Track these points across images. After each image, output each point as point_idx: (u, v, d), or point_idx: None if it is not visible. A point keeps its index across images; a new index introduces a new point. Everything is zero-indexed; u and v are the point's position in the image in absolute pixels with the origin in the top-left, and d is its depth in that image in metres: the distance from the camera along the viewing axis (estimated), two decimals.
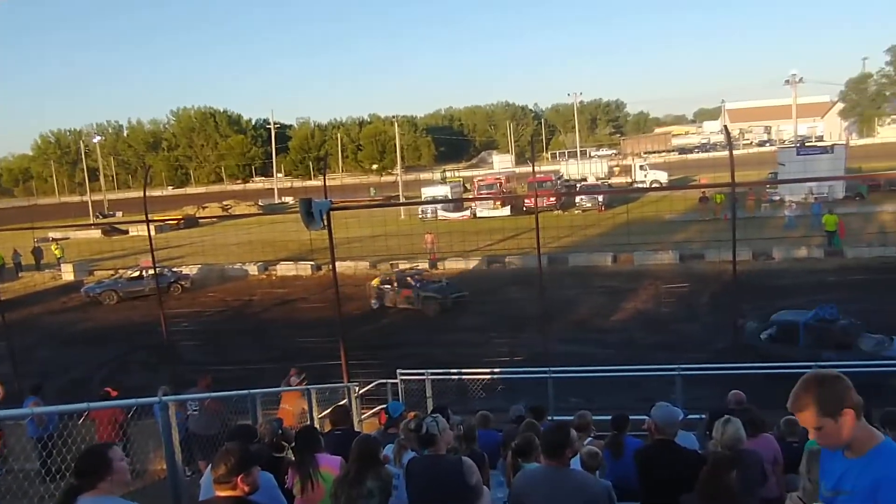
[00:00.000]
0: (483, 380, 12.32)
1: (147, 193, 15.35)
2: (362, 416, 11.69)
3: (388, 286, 23.86)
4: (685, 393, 10.49)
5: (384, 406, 9.73)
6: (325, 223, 11.50)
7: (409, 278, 24.17)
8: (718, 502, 4.00)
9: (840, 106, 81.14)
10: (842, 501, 2.45)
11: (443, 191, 53.29)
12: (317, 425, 8.81)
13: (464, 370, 12.43)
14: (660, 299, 21.70)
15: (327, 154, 69.42)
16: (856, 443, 2.36)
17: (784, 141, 62.77)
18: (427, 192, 52.16)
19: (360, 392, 11.85)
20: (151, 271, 22.26)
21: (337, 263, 13.44)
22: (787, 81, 57.04)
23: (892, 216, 33.65)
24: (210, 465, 3.68)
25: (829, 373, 2.43)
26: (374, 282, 24.52)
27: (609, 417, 6.63)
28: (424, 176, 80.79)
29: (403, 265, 29.32)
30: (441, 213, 45.63)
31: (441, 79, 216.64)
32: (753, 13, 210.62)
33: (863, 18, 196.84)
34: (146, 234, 18.71)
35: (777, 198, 38.29)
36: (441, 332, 20.46)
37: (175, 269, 31.14)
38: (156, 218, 42.31)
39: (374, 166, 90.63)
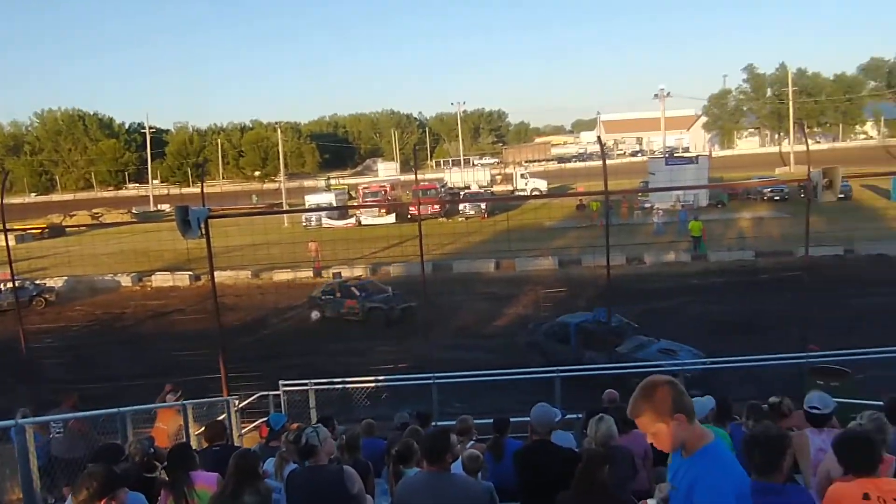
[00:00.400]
0: (368, 388, 12.21)
1: (5, 200, 14.14)
2: (242, 431, 11.29)
3: (331, 296, 22.90)
4: (564, 394, 10.87)
5: (265, 419, 9.43)
6: (203, 231, 11.05)
7: (353, 288, 23.13)
8: (592, 497, 4.14)
9: (703, 119, 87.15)
10: (672, 497, 2.64)
11: (327, 198, 52.62)
12: (194, 443, 8.42)
13: (348, 379, 12.27)
14: (540, 304, 22.38)
15: (206, 160, 66.83)
16: (688, 444, 2.52)
17: (654, 152, 66.60)
18: (311, 200, 51.27)
19: (241, 406, 11.43)
20: (10, 284, 20.53)
21: (216, 273, 12.95)
22: (657, 95, 60.82)
23: (750, 222, 36.54)
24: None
25: (664, 379, 2.55)
26: (315, 293, 23.55)
27: (491, 420, 6.75)
28: (308, 183, 79.33)
29: (346, 273, 28.34)
30: (325, 221, 45.01)
31: (326, 85, 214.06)
32: (626, 30, 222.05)
33: (724, 38, 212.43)
34: (3, 244, 17.23)
35: (648, 205, 40.55)
36: (326, 341, 20.16)
37: (38, 282, 28.91)
38: (16, 227, 39.12)
39: (257, 173, 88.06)
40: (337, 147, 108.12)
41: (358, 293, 22.52)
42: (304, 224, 45.36)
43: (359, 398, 12.20)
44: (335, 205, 49.46)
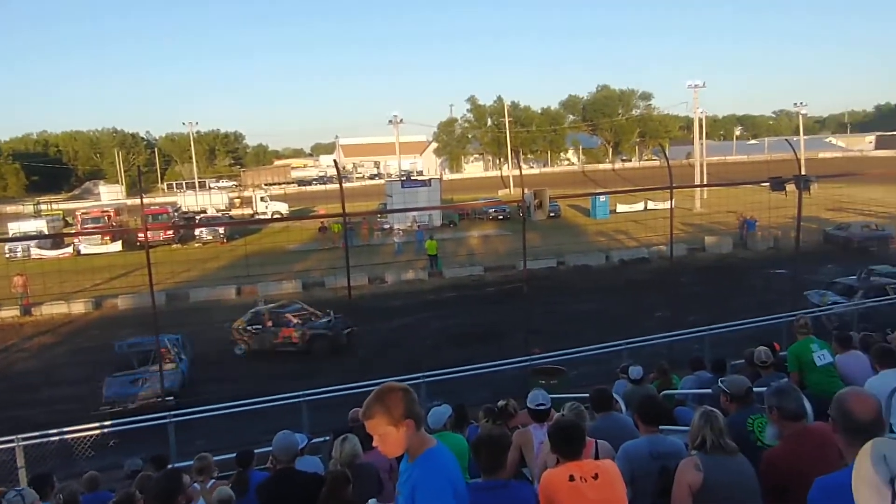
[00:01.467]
0: (91, 436, 10.89)
1: None
2: None
3: (259, 326, 19.89)
4: (312, 418, 10.74)
5: None
6: None
7: (287, 315, 20.39)
8: None
9: (434, 145, 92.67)
10: (398, 501, 2.79)
11: (37, 225, 46.38)
12: None
13: (66, 429, 10.83)
14: None
15: None
16: (411, 449, 2.67)
17: (391, 175, 69.24)
18: (16, 227, 44.78)
19: None
20: None
21: None
22: (391, 121, 63.36)
23: (479, 240, 39.59)
24: None
25: (399, 386, 2.68)
26: (237, 323, 20.21)
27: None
28: (12, 208, 69.43)
29: (64, 309, 24.22)
30: (35, 251, 39.49)
31: (30, 99, 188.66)
32: (360, 58, 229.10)
33: (449, 70, 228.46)
34: None
35: (387, 226, 41.97)
36: (30, 390, 17.54)
37: None
38: None
39: None
40: (48, 168, 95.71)
41: (295, 321, 20.26)
42: (7, 255, 39.33)
43: (82, 449, 10.83)
44: (46, 232, 43.76)
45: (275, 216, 50.47)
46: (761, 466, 3.74)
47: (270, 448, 5.12)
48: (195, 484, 6.05)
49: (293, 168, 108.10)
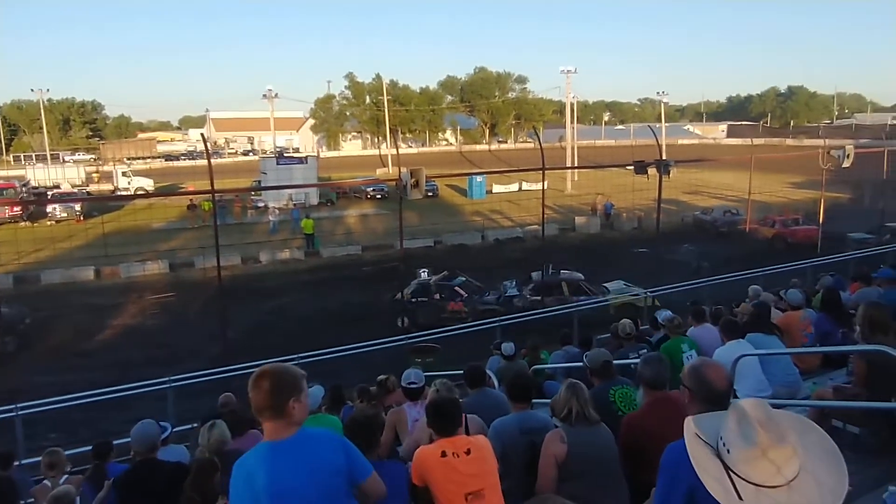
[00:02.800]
0: None
1: None
2: None
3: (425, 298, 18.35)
4: (179, 406, 10.26)
5: None
6: None
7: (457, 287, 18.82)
8: None
9: (311, 122, 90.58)
10: None
11: None
12: None
13: None
14: (149, 312, 20.85)
15: None
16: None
17: (265, 151, 66.99)
18: None
19: None
20: None
21: None
22: (265, 96, 61.21)
23: (357, 219, 39.23)
24: None
25: (281, 366, 2.64)
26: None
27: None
28: None
29: None
30: None
31: None
32: (233, 28, 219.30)
33: (326, 45, 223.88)
34: None
35: (262, 204, 40.63)
36: None
37: None
38: None
39: None
40: None
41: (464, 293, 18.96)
42: None
43: None
44: None
45: (138, 192, 47.56)
46: (621, 430, 3.94)
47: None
48: (46, 480, 5.65)
49: (159, 142, 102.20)
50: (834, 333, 7.31)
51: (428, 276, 20.24)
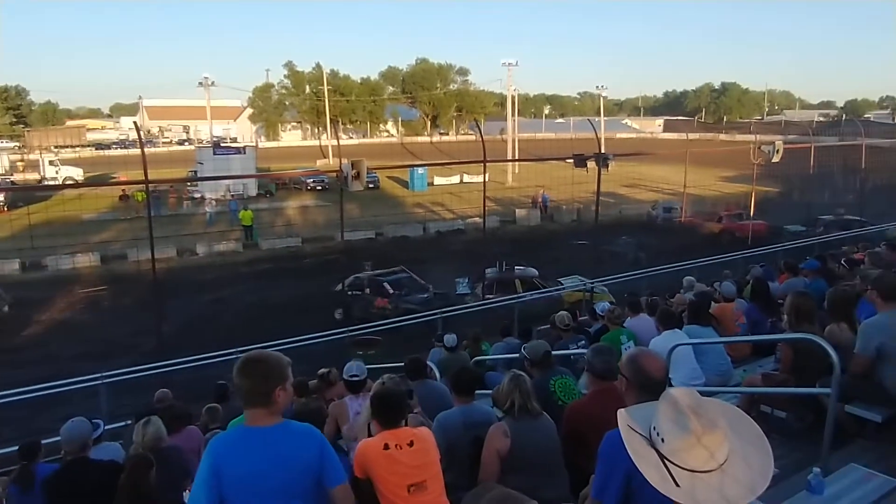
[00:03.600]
0: None
1: None
2: None
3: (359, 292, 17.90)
4: (112, 402, 9.93)
5: None
6: None
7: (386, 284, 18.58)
8: None
9: (249, 111, 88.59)
10: None
11: None
12: None
13: None
14: (79, 306, 20.11)
15: None
16: None
17: (202, 141, 65.24)
18: None
19: None
20: None
21: None
22: (201, 84, 59.53)
23: (296, 211, 38.65)
24: None
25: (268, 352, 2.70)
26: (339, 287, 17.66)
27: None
28: None
29: None
30: None
31: None
32: (168, 10, 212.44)
33: (264, 33, 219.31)
34: None
35: (198, 195, 39.62)
36: None
37: None
38: None
39: None
40: None
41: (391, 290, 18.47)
42: None
43: None
44: None
45: (67, 182, 45.67)
46: (563, 418, 4.00)
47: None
48: None
49: (89, 129, 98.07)
50: (763, 322, 7.61)
51: (371, 269, 20.11)
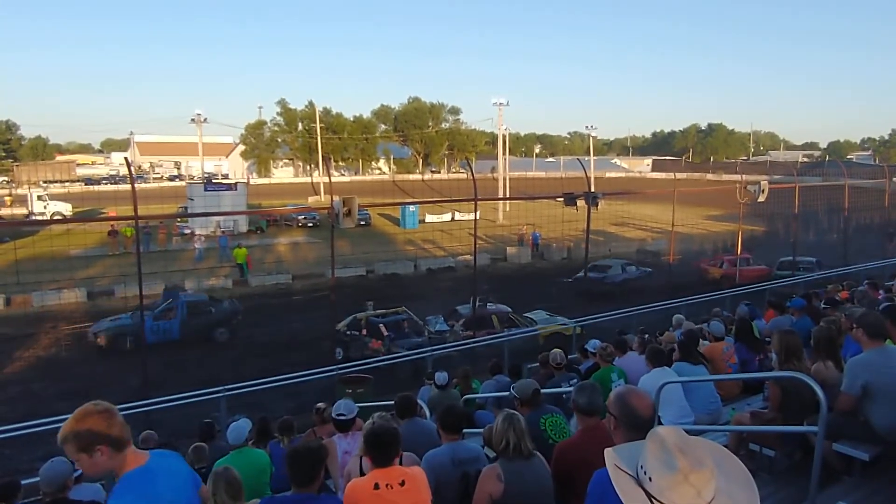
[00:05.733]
0: None
1: None
2: None
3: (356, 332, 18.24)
4: None
5: None
6: None
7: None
8: None
9: (241, 148, 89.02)
10: None
11: None
12: None
13: None
14: (63, 343, 19.86)
15: None
16: (116, 472, 2.57)
17: (193, 177, 65.38)
18: None
19: None
20: None
21: None
22: (193, 120, 59.94)
23: (287, 247, 38.61)
24: None
25: (100, 408, 2.54)
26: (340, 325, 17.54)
27: None
28: None
29: None
30: None
31: None
32: (162, 50, 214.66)
33: (258, 72, 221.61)
34: None
35: (188, 231, 39.52)
36: None
37: None
38: None
39: None
40: None
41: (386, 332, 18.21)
42: None
43: None
44: None
45: (55, 217, 45.51)
46: (553, 457, 3.97)
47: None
48: None
49: (79, 164, 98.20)
50: (751, 361, 7.63)
51: (372, 308, 19.91)
